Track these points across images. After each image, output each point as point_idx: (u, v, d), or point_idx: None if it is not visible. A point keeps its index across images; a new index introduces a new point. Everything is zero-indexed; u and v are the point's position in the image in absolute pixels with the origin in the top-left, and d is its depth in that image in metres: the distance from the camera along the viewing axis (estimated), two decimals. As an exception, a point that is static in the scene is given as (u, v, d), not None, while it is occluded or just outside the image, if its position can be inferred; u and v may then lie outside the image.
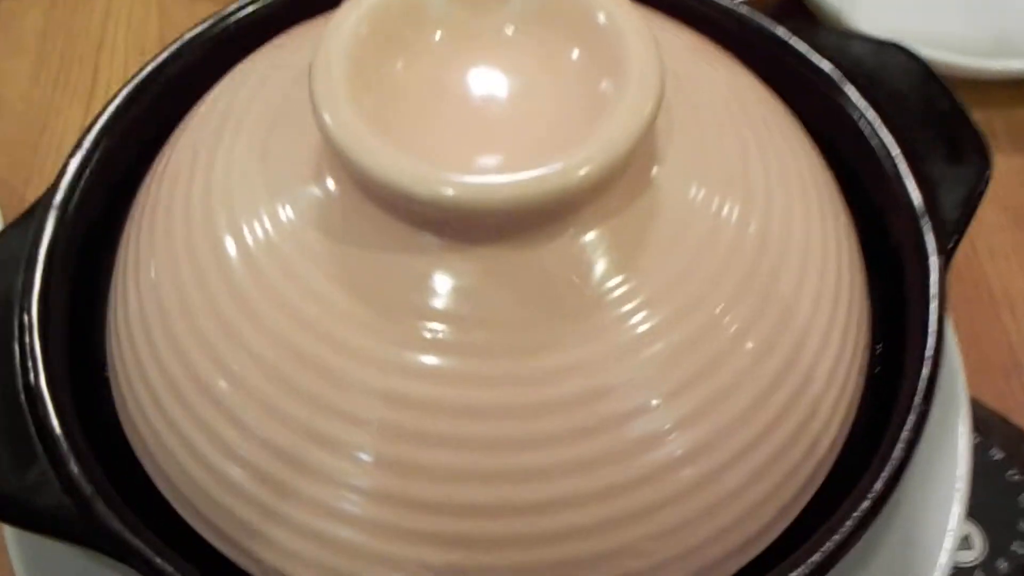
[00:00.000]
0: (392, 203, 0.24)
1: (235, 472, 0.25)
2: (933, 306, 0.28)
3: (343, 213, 0.25)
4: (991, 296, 0.47)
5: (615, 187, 0.25)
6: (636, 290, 0.25)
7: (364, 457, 0.24)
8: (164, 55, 0.32)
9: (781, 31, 0.33)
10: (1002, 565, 0.38)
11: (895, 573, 0.30)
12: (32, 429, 0.25)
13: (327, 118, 0.24)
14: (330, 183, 0.25)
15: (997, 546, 0.38)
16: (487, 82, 0.26)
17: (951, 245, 0.29)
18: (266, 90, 0.29)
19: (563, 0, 0.26)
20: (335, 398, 0.24)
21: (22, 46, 0.57)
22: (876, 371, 0.29)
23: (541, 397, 0.24)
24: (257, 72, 0.30)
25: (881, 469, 0.26)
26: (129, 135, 0.31)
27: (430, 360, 0.24)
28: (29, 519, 0.25)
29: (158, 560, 0.24)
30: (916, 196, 0.30)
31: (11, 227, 0.29)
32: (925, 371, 0.27)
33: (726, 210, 0.26)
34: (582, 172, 0.23)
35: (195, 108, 0.31)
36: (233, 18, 0.33)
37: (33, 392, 0.26)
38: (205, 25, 0.33)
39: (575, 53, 0.26)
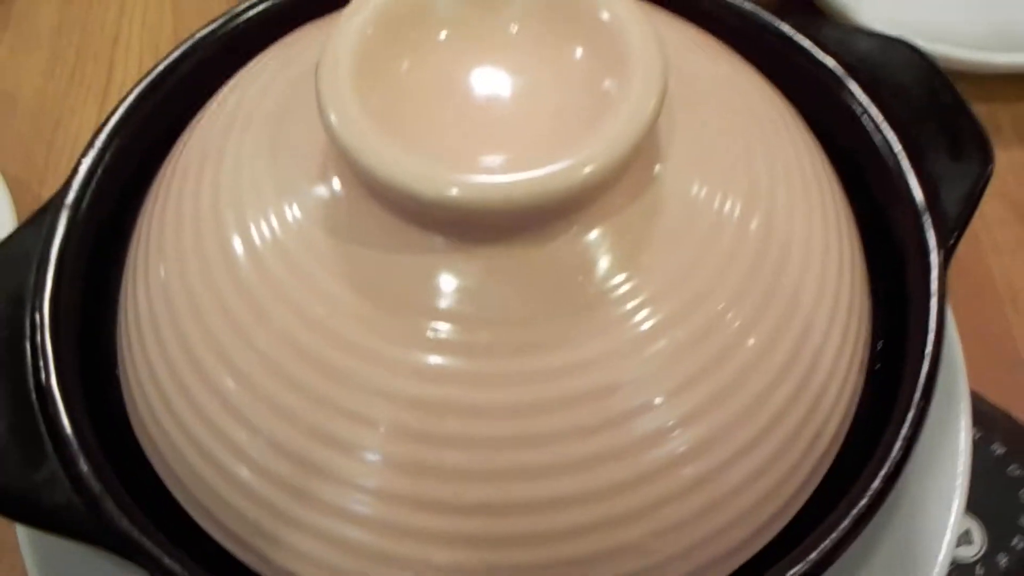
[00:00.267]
0: (398, 203, 0.24)
1: (243, 472, 0.25)
2: (933, 302, 0.28)
3: (349, 213, 0.25)
4: (995, 291, 0.47)
5: (618, 185, 0.25)
6: (639, 287, 0.25)
7: (371, 457, 0.24)
8: (175, 55, 0.32)
9: (785, 27, 0.33)
10: (1003, 560, 0.38)
11: (895, 568, 0.30)
12: (43, 428, 0.26)
13: (333, 118, 0.24)
14: (336, 183, 0.26)
15: (998, 541, 0.38)
16: (492, 81, 0.26)
17: (952, 241, 0.29)
18: (274, 89, 0.29)
19: None
20: (342, 398, 0.24)
21: (37, 42, 0.57)
22: (877, 368, 0.30)
23: (546, 395, 0.24)
24: (266, 71, 0.30)
25: (880, 467, 0.26)
26: (141, 134, 0.31)
27: (436, 359, 0.24)
28: (38, 517, 0.25)
29: (166, 559, 0.24)
30: (918, 192, 0.30)
31: (24, 226, 0.29)
32: (924, 368, 0.27)
33: (728, 207, 0.27)
34: (586, 171, 0.23)
35: (205, 107, 0.31)
36: (243, 17, 0.33)
37: (44, 390, 0.26)
38: (215, 24, 0.33)
39: (579, 51, 0.26)
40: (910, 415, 0.27)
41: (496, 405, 0.24)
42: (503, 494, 0.24)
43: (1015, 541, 0.38)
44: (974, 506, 0.36)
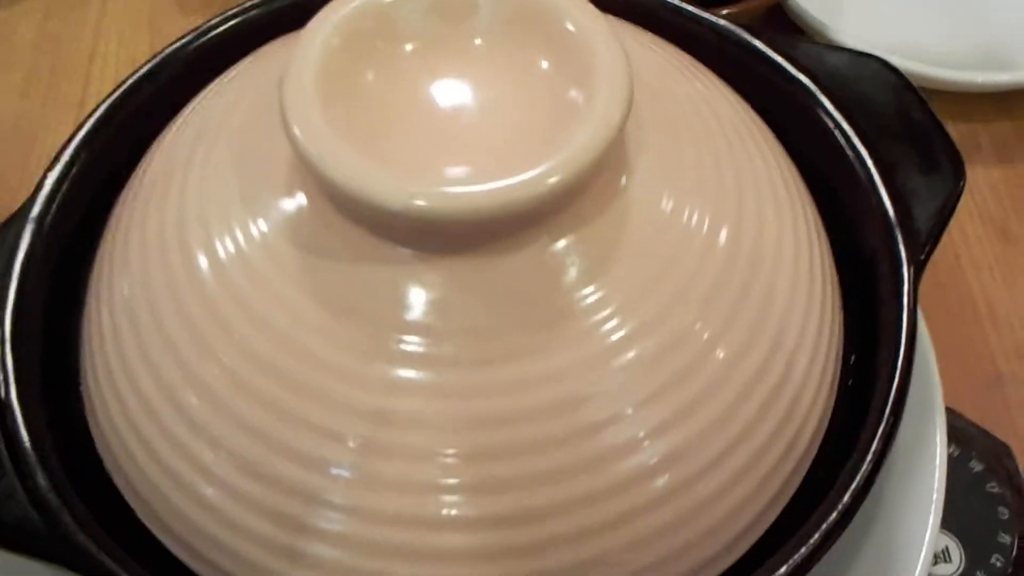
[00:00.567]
0: (363, 215, 0.24)
1: (207, 489, 0.25)
2: (904, 316, 0.28)
3: (315, 225, 0.25)
4: (974, 308, 0.47)
5: (585, 196, 0.25)
6: (608, 298, 0.25)
7: (338, 472, 0.24)
8: (143, 70, 0.32)
9: (758, 43, 0.33)
10: (981, 578, 0.38)
11: (871, 585, 0.30)
12: (1, 442, 0.25)
13: (297, 130, 0.24)
14: (302, 196, 0.26)
15: (976, 559, 0.38)
16: (457, 93, 0.26)
17: (923, 256, 0.30)
18: (240, 104, 0.29)
19: (532, 11, 0.26)
20: (308, 412, 0.24)
21: (13, 59, 0.57)
22: (850, 382, 0.30)
23: (514, 407, 0.24)
24: (232, 87, 0.30)
25: (850, 481, 0.26)
26: (108, 148, 0.31)
27: (402, 372, 0.24)
28: (-4, 533, 0.25)
29: None
30: (889, 207, 0.30)
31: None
32: (895, 382, 0.27)
33: (697, 219, 0.27)
34: (551, 180, 0.23)
35: (171, 123, 0.31)
36: (211, 33, 0.33)
37: (2, 404, 0.26)
38: (184, 40, 0.33)
39: (544, 63, 0.26)
40: (880, 429, 0.27)
41: (463, 417, 0.24)
42: (473, 507, 0.24)
43: (993, 559, 0.38)
44: (952, 524, 0.36)
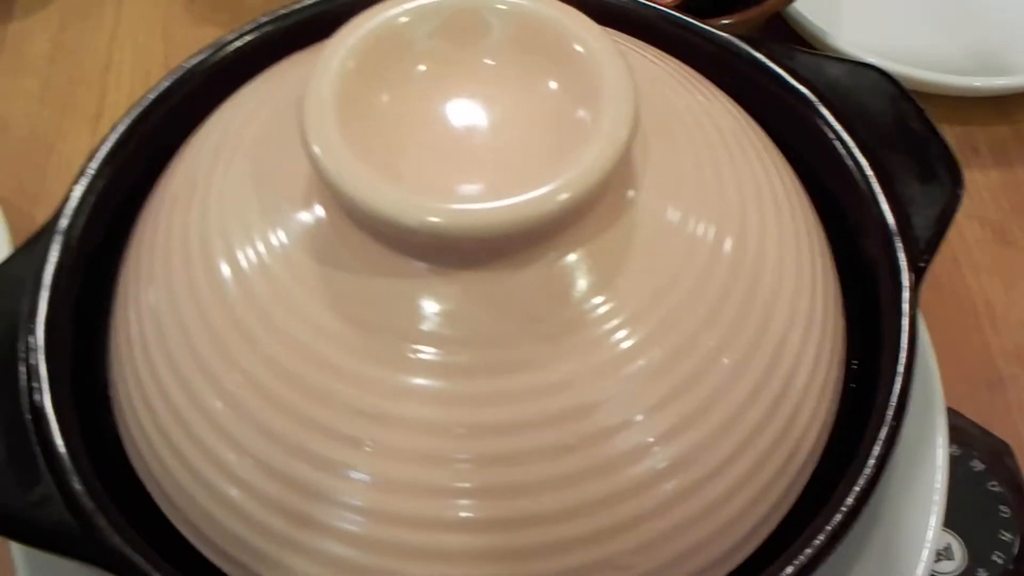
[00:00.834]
0: (380, 230, 0.25)
1: (232, 491, 0.26)
2: (905, 323, 0.29)
3: (333, 239, 0.26)
4: (973, 310, 0.48)
5: (593, 211, 0.26)
6: (616, 310, 0.26)
7: (357, 476, 0.25)
8: (163, 85, 0.33)
9: (758, 54, 0.34)
10: (983, 575, 0.38)
11: (874, 583, 0.31)
12: (37, 448, 0.26)
13: (316, 149, 0.24)
14: (320, 211, 0.26)
15: (978, 557, 0.38)
16: (469, 112, 0.26)
17: (923, 264, 0.30)
18: (259, 120, 0.29)
19: (540, 32, 0.27)
20: (327, 419, 0.25)
21: (30, 68, 0.57)
22: (852, 386, 0.30)
23: (525, 415, 0.25)
24: (251, 102, 0.31)
25: (853, 483, 0.26)
26: (131, 161, 0.32)
27: (419, 381, 0.25)
28: (33, 536, 0.26)
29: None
30: (889, 215, 0.30)
31: (17, 253, 0.30)
32: (897, 387, 0.28)
33: (702, 230, 0.27)
34: (560, 198, 0.24)
35: (192, 136, 0.32)
36: (230, 48, 0.34)
37: (38, 412, 0.27)
38: (204, 55, 0.33)
39: (552, 83, 0.26)
40: (883, 432, 0.27)
41: (475, 424, 0.25)
42: (484, 511, 0.25)
43: (995, 556, 0.38)
44: (954, 522, 0.37)
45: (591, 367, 0.25)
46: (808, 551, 0.26)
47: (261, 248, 0.27)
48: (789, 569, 0.25)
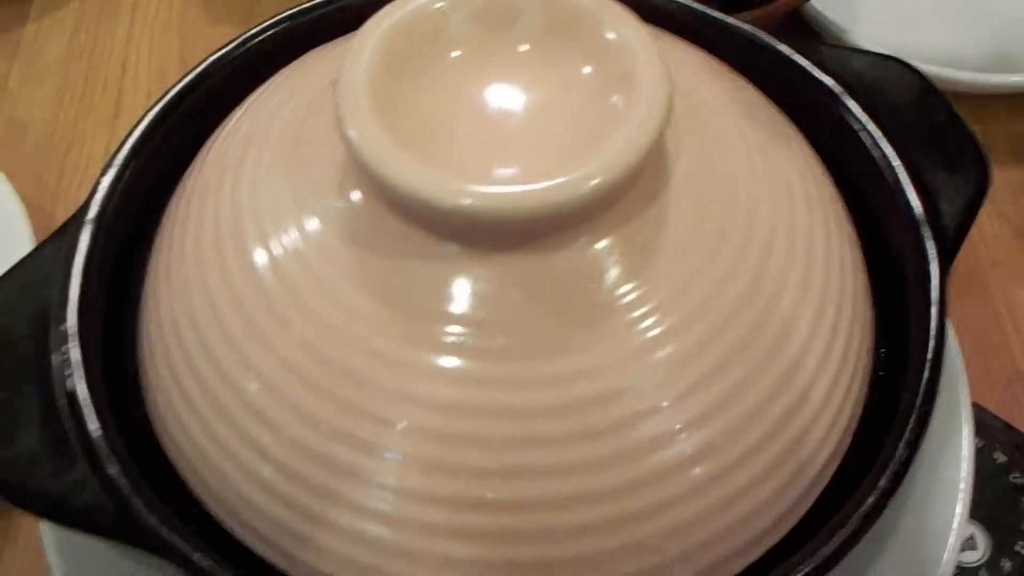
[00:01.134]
0: (414, 213, 0.25)
1: (266, 471, 0.26)
2: (934, 311, 0.29)
3: (367, 223, 0.26)
4: (993, 307, 0.48)
5: (625, 197, 0.26)
6: (646, 296, 0.26)
7: (390, 456, 0.25)
8: (190, 76, 0.33)
9: (784, 48, 0.34)
10: (1006, 565, 0.38)
11: (901, 570, 0.31)
12: (72, 433, 0.26)
13: (352, 133, 0.25)
14: (354, 195, 0.27)
15: (1001, 547, 0.39)
16: (502, 97, 0.27)
17: (951, 252, 0.30)
18: (289, 108, 0.30)
19: (575, 19, 0.27)
20: (361, 400, 0.25)
21: (47, 70, 0.58)
22: (880, 375, 0.30)
23: (557, 398, 0.25)
24: (280, 92, 0.31)
25: (886, 467, 0.27)
26: (157, 153, 0.32)
27: (451, 363, 0.25)
28: (71, 518, 0.26)
29: (195, 555, 0.25)
30: (917, 205, 0.31)
31: (46, 243, 0.30)
32: (927, 373, 0.28)
33: (732, 220, 0.27)
34: (593, 183, 0.24)
35: (221, 126, 0.32)
36: (255, 40, 0.34)
37: (73, 398, 0.27)
38: (230, 46, 0.34)
39: (586, 69, 0.27)
40: (914, 417, 0.27)
41: (508, 407, 0.25)
42: (516, 492, 0.25)
43: (1018, 547, 0.38)
44: (977, 513, 0.37)
45: (621, 353, 0.25)
46: (842, 532, 0.26)
47: (294, 233, 0.27)
48: (826, 547, 0.25)
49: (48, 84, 0.57)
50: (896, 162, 0.31)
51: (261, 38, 0.34)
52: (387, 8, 0.27)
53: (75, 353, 0.27)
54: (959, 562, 0.37)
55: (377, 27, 0.27)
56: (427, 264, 0.26)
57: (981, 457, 0.37)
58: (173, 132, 0.33)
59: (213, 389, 0.26)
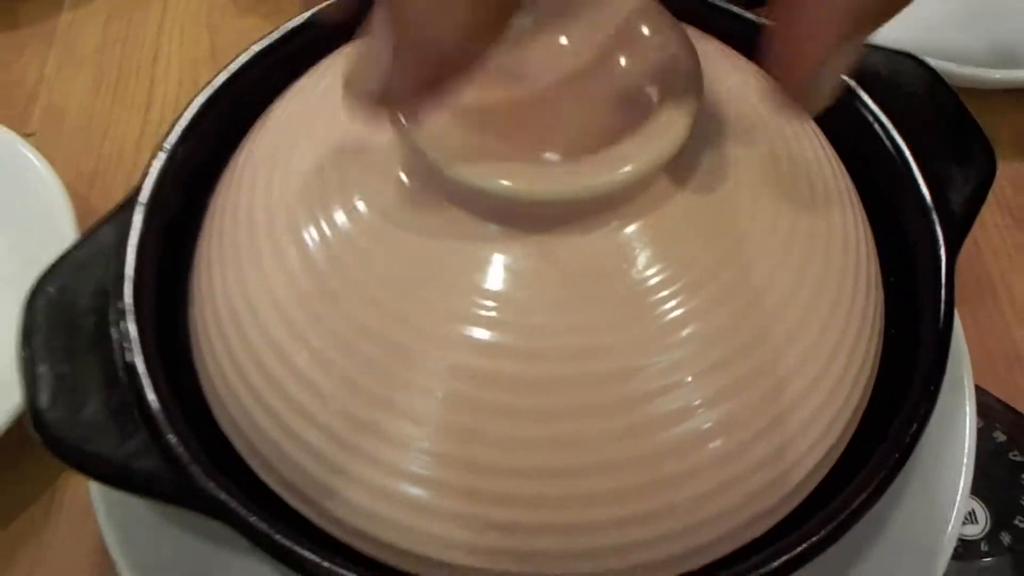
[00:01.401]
0: (459, 195, 0.27)
1: (314, 436, 0.27)
2: (943, 293, 0.30)
3: (412, 204, 0.28)
4: (994, 294, 0.49)
5: (656, 184, 0.27)
6: (674, 278, 0.27)
7: (430, 424, 0.26)
8: (235, 65, 0.34)
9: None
10: (1005, 538, 0.40)
11: (907, 542, 0.32)
12: (132, 403, 0.28)
13: (400, 118, 0.26)
14: (400, 177, 0.28)
15: (1000, 521, 0.40)
16: (541, 87, 0.28)
17: (959, 237, 0.32)
18: (335, 95, 0.31)
19: (611, 15, 0.28)
20: (404, 370, 0.26)
21: (82, 59, 0.59)
22: (890, 351, 0.31)
23: (588, 371, 0.26)
24: (325, 79, 0.32)
25: (898, 440, 0.28)
26: (203, 138, 0.33)
27: (489, 336, 0.26)
28: (133, 483, 0.27)
29: (252, 518, 0.26)
30: (926, 193, 0.32)
31: (102, 224, 0.31)
32: (936, 351, 0.29)
33: (757, 205, 0.29)
34: (625, 170, 0.26)
35: (268, 113, 0.33)
36: (300, 31, 0.35)
37: (131, 370, 0.28)
38: (275, 36, 0.35)
39: (623, 61, 0.28)
40: (924, 393, 0.29)
41: (542, 379, 0.26)
42: (549, 460, 0.26)
43: (1016, 520, 0.40)
44: (978, 489, 0.38)
45: (650, 330, 0.27)
46: (854, 503, 0.27)
47: (342, 213, 0.28)
48: (843, 514, 0.27)
49: (84, 72, 0.58)
50: (907, 152, 0.33)
51: (306, 26, 0.35)
52: None
53: (132, 328, 0.28)
54: (961, 535, 0.39)
55: None
56: (468, 244, 0.27)
57: (982, 436, 0.37)
58: (218, 119, 0.34)
59: (264, 361, 0.28)
